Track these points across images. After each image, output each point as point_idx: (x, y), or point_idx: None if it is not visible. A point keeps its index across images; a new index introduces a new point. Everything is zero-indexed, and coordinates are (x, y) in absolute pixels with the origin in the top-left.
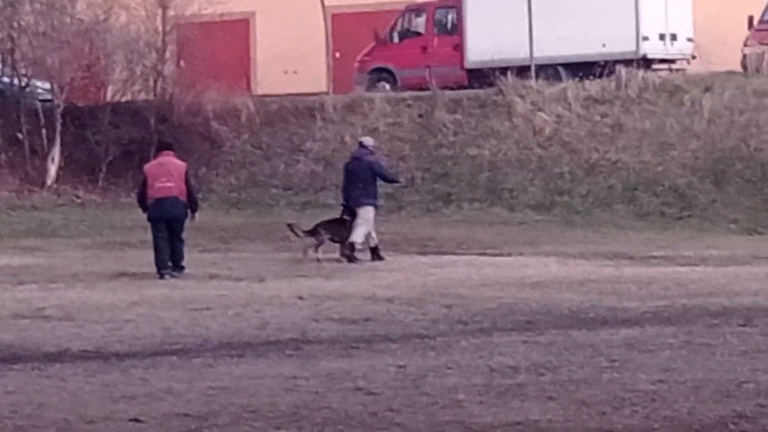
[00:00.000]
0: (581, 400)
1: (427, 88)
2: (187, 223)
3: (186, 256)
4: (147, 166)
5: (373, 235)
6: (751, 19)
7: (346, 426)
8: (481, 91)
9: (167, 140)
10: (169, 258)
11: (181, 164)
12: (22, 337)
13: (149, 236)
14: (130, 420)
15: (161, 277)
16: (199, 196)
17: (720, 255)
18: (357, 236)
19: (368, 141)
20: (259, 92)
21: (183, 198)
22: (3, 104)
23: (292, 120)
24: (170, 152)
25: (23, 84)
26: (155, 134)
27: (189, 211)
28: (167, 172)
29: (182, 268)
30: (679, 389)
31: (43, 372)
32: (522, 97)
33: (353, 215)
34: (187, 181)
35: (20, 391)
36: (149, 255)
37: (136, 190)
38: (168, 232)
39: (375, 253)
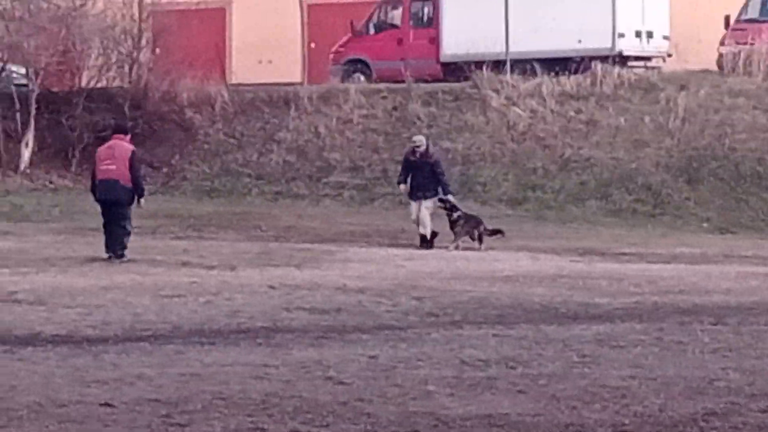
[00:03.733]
0: (551, 394)
1: (402, 81)
2: (133, 209)
3: (151, 242)
4: (99, 149)
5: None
6: (727, 18)
7: (316, 415)
8: (455, 85)
9: (121, 123)
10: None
11: (127, 147)
12: None
13: None
14: (101, 404)
15: (108, 258)
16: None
17: (692, 253)
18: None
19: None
20: (234, 81)
21: (125, 182)
22: None
23: (266, 110)
24: (122, 135)
25: None
26: (129, 121)
27: (134, 196)
28: (112, 155)
29: (121, 255)
30: (650, 386)
31: (15, 355)
32: (497, 91)
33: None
34: (131, 166)
35: None
36: None
37: None
38: (110, 216)
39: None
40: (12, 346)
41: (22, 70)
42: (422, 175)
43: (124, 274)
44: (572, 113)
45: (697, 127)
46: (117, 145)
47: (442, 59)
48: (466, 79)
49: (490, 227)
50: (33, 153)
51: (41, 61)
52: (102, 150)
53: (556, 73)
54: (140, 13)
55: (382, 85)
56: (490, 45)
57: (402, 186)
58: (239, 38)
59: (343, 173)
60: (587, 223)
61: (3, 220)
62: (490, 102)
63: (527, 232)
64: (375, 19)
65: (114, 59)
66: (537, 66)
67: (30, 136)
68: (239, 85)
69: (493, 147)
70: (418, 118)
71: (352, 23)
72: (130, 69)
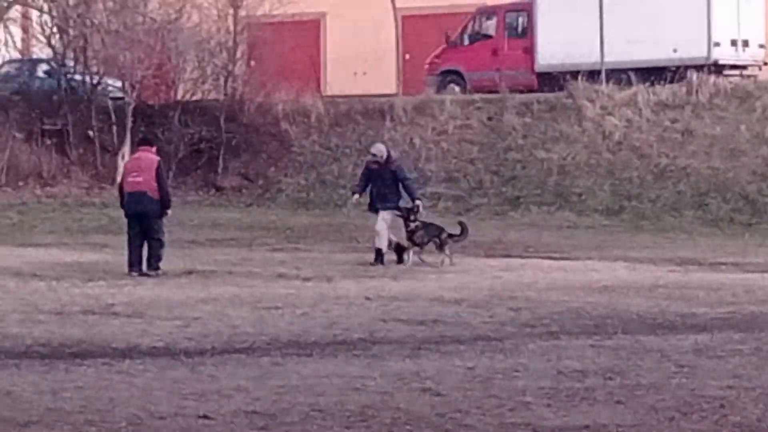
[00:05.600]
0: (650, 405)
1: (497, 91)
2: (165, 221)
3: (248, 254)
4: (126, 161)
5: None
6: None
7: (415, 427)
8: (551, 95)
9: (146, 136)
10: (139, 255)
11: (154, 159)
12: (91, 333)
13: (216, 234)
14: (199, 417)
15: (129, 273)
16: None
17: None
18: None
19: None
20: (329, 93)
21: (153, 193)
22: (75, 102)
23: (361, 121)
24: (148, 147)
25: (95, 82)
26: (225, 133)
27: (163, 208)
28: (138, 167)
29: (157, 268)
30: (749, 396)
31: (113, 368)
32: (592, 101)
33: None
34: (158, 177)
35: (90, 386)
36: (217, 253)
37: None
38: (141, 229)
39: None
40: (110, 358)
41: (118, 84)
42: (383, 184)
43: (221, 286)
44: (668, 122)
45: None
46: (143, 157)
47: (537, 69)
48: (561, 89)
49: (452, 232)
50: None
51: (137, 75)
52: (129, 162)
53: (652, 83)
54: (235, 26)
55: (477, 96)
56: (585, 55)
57: (354, 197)
58: (334, 50)
59: (439, 184)
60: (684, 233)
61: (100, 233)
62: (585, 112)
63: (624, 242)
64: (469, 29)
65: (209, 72)
66: (632, 75)
67: (126, 149)
68: (334, 96)
69: (589, 157)
70: (513, 129)
71: (446, 34)
72: (226, 81)
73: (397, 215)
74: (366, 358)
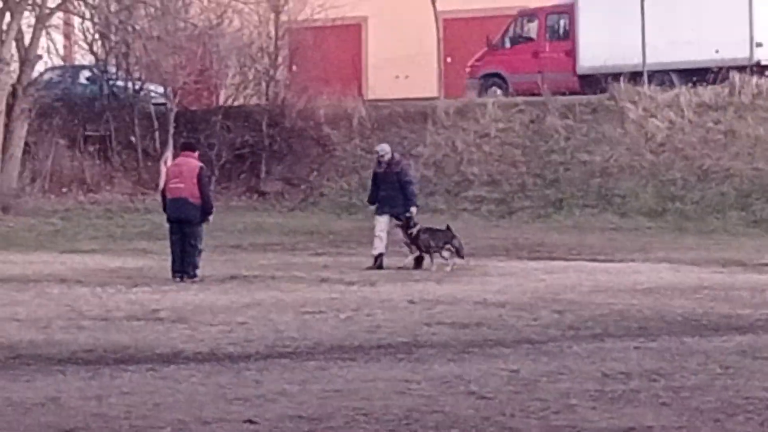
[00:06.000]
0: (695, 406)
1: (539, 94)
2: (204, 228)
3: (291, 259)
4: (168, 168)
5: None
6: None
7: (460, 430)
8: (593, 97)
9: (189, 141)
10: (180, 262)
11: (195, 164)
12: (136, 338)
13: (259, 239)
14: (245, 421)
15: (173, 279)
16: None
17: None
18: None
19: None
20: (371, 97)
21: (194, 200)
22: (117, 108)
23: (404, 124)
24: (190, 153)
25: (137, 88)
26: (267, 138)
27: (204, 214)
28: (180, 173)
29: (194, 276)
30: None
31: (158, 373)
32: (634, 103)
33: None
34: (200, 183)
35: (135, 391)
36: (260, 257)
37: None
38: (180, 235)
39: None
40: (155, 364)
41: (160, 89)
42: (389, 187)
43: (265, 291)
44: (710, 124)
45: None
46: (185, 162)
47: (579, 71)
48: (603, 91)
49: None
50: None
51: (179, 80)
52: (171, 167)
53: (694, 84)
54: (276, 31)
55: (519, 99)
56: (627, 56)
57: (371, 207)
58: (375, 54)
59: (481, 187)
60: (728, 234)
61: (143, 238)
62: (627, 114)
63: (667, 244)
64: (511, 32)
65: (251, 77)
66: (674, 77)
67: (169, 155)
68: (376, 100)
69: (632, 159)
70: (556, 131)
71: (488, 37)
72: (267, 86)
73: (397, 225)
74: (410, 361)
